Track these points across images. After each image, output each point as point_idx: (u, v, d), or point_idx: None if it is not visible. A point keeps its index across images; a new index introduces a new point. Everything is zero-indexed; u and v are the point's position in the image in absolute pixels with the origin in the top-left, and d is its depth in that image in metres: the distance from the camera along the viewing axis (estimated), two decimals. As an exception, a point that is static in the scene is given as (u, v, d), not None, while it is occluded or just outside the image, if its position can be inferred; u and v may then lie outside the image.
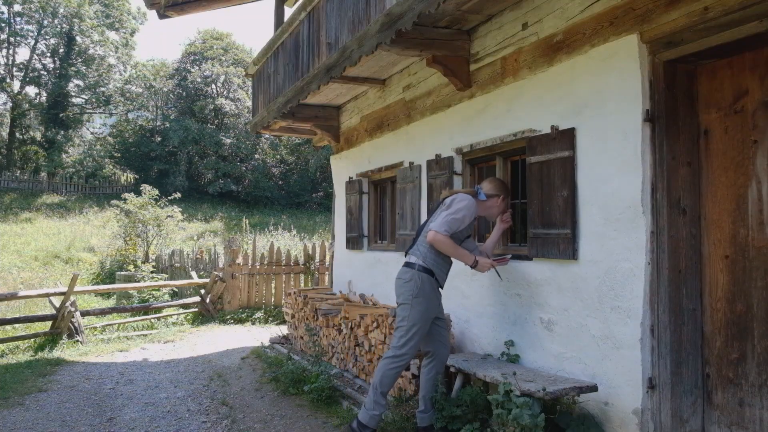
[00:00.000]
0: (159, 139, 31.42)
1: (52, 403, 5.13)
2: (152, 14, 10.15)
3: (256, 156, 31.98)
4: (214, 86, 32.18)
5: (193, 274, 11.60)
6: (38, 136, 32.27)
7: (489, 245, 4.02)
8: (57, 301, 8.10)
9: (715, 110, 3.00)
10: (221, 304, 10.36)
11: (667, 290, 3.00)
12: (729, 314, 2.93)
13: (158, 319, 9.84)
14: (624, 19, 3.15)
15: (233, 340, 8.22)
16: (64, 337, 7.94)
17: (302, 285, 10.89)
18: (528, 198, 3.86)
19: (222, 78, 31.63)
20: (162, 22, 10.77)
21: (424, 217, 5.26)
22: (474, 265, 3.67)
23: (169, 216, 17.00)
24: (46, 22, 31.32)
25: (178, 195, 18.05)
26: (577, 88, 3.47)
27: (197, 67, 31.98)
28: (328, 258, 10.69)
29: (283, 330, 7.69)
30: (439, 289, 3.73)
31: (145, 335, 8.80)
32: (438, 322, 3.76)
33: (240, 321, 10.01)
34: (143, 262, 15.16)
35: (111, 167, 31.73)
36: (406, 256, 3.76)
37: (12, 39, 31.51)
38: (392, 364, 3.58)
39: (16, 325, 8.62)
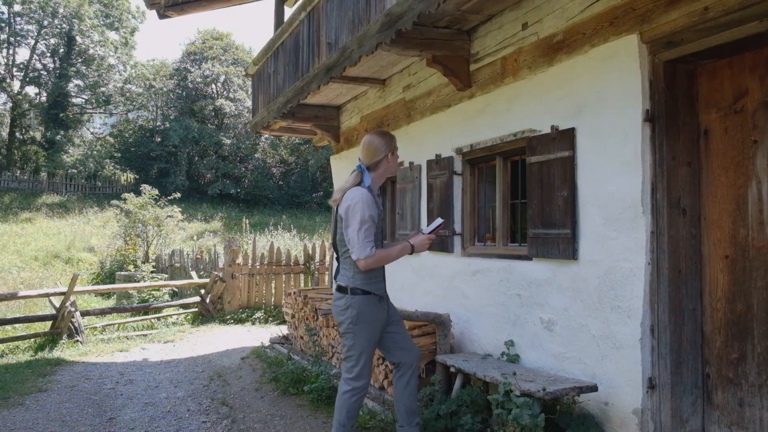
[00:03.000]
0: (159, 139, 31.42)
1: (52, 403, 5.13)
2: (152, 14, 10.15)
3: (256, 156, 31.98)
4: (214, 86, 32.19)
5: (193, 274, 11.59)
6: (38, 136, 32.26)
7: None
8: (57, 301, 8.10)
9: (715, 110, 3.00)
10: (221, 304, 10.36)
11: (667, 290, 3.00)
12: (729, 314, 2.93)
13: (158, 319, 9.84)
14: (624, 19, 3.15)
15: (233, 340, 8.22)
16: (64, 337, 7.94)
17: (302, 285, 10.89)
18: (528, 198, 3.86)
19: (222, 78, 31.64)
20: (162, 22, 10.77)
21: (424, 217, 5.25)
22: (413, 251, 3.24)
23: (169, 216, 16.99)
24: (46, 22, 31.31)
25: (178, 195, 18.04)
26: (577, 88, 3.47)
27: (197, 67, 31.97)
28: (328, 258, 10.70)
29: (283, 330, 7.69)
30: (383, 297, 3.28)
31: (145, 335, 8.80)
32: (391, 329, 3.35)
33: (240, 321, 10.01)
34: (143, 262, 15.16)
35: (111, 167, 31.73)
36: (335, 281, 3.28)
37: (12, 39, 31.49)
38: (353, 397, 3.23)
39: (16, 325, 8.61)
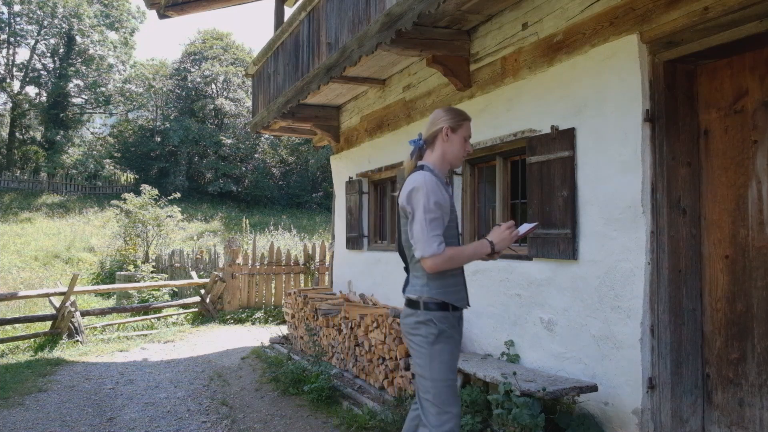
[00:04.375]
0: (159, 139, 31.43)
1: (52, 403, 5.13)
2: (152, 14, 10.15)
3: (256, 156, 31.98)
4: (213, 86, 32.19)
5: (193, 274, 11.59)
6: (38, 136, 32.25)
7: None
8: (57, 301, 8.10)
9: (715, 110, 3.00)
10: (221, 304, 10.36)
11: (667, 290, 3.00)
12: (729, 314, 2.93)
13: (158, 319, 9.84)
14: (624, 19, 3.15)
15: (233, 340, 8.22)
16: (64, 337, 7.94)
17: (302, 285, 10.89)
18: (528, 198, 3.85)
19: (222, 78, 31.64)
20: (162, 22, 10.76)
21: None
22: (492, 251, 2.47)
23: (168, 216, 17.00)
24: (45, 22, 31.31)
25: (177, 195, 18.05)
26: (577, 88, 3.47)
27: (197, 67, 31.98)
28: (328, 258, 10.69)
29: (283, 330, 7.69)
30: (461, 315, 2.59)
31: (145, 335, 8.80)
32: None
33: (240, 321, 10.01)
34: (143, 262, 15.16)
35: (111, 167, 31.73)
36: (404, 292, 2.61)
37: (12, 39, 31.49)
38: None
39: (16, 325, 8.62)
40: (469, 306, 2.60)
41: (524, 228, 2.60)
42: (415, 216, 2.39)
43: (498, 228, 2.51)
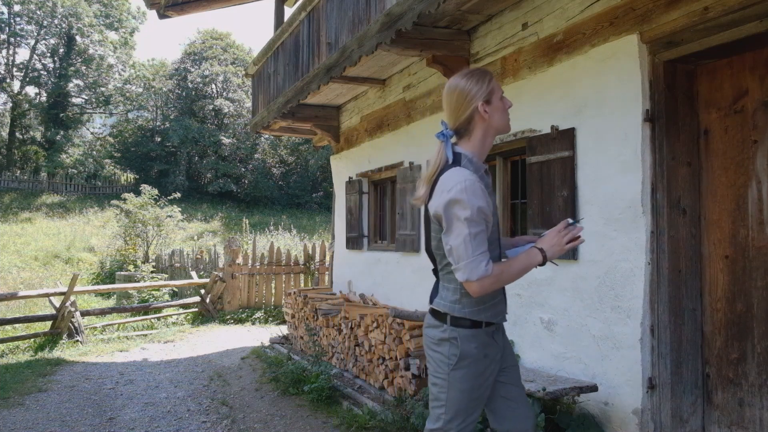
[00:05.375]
0: (159, 139, 31.44)
1: (52, 403, 5.13)
2: (152, 14, 10.15)
3: (256, 156, 31.99)
4: (213, 86, 32.20)
5: (193, 274, 11.60)
6: (38, 136, 32.28)
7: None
8: (57, 301, 8.10)
9: (715, 110, 3.00)
10: (221, 304, 10.36)
11: (667, 290, 3.00)
12: (729, 314, 2.93)
13: (158, 319, 9.84)
14: (624, 19, 3.15)
15: (233, 340, 8.22)
16: (64, 337, 7.94)
17: (302, 285, 10.90)
18: (528, 198, 3.85)
19: (221, 78, 31.65)
20: (162, 22, 10.77)
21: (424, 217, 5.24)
22: (545, 259, 2.04)
23: (168, 216, 17.01)
24: (45, 22, 31.32)
25: (177, 195, 18.06)
26: (577, 88, 3.47)
27: (197, 67, 31.98)
28: (328, 258, 10.69)
29: (283, 330, 7.69)
30: (500, 327, 2.20)
31: (145, 335, 8.80)
32: (503, 377, 2.19)
33: (240, 321, 10.01)
34: (143, 262, 15.17)
35: (111, 167, 31.73)
36: (431, 302, 2.19)
37: (12, 39, 31.51)
38: None
39: (16, 325, 8.62)
40: (506, 320, 2.21)
41: (574, 230, 2.06)
42: (454, 229, 1.95)
43: (550, 233, 2.07)
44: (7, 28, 30.80)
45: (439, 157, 2.12)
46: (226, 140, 30.22)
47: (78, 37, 31.74)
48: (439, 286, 2.17)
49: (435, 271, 2.22)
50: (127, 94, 33.26)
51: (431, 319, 2.16)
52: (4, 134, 31.45)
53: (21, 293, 8.46)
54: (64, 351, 7.58)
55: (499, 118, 2.13)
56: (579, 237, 2.05)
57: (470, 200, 1.92)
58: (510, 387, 2.20)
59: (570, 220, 2.07)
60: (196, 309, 10.26)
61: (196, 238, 21.86)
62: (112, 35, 33.89)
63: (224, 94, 32.04)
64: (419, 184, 2.19)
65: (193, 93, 31.77)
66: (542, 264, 2.03)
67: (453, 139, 2.14)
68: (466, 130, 2.13)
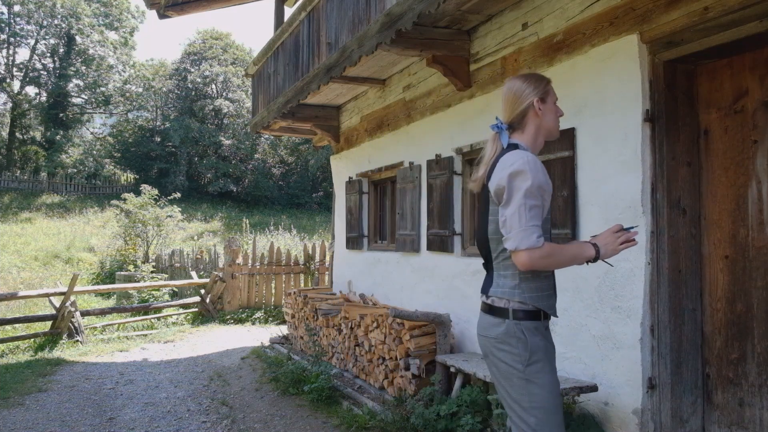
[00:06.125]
0: (159, 139, 31.44)
1: (52, 403, 5.13)
2: (152, 14, 10.15)
3: (256, 156, 31.99)
4: (213, 86, 32.20)
5: (193, 274, 11.60)
6: (38, 136, 32.28)
7: None
8: (57, 301, 8.10)
9: (715, 110, 3.00)
10: (221, 304, 10.36)
11: (667, 290, 3.00)
12: (729, 314, 2.93)
13: (158, 319, 9.84)
14: (624, 19, 3.15)
15: (233, 340, 8.22)
16: (64, 337, 7.94)
17: (302, 285, 10.89)
18: (528, 198, 3.85)
19: (221, 78, 31.65)
20: (162, 22, 10.77)
21: (424, 217, 5.24)
22: (597, 255, 2.05)
23: (168, 216, 17.00)
24: (45, 22, 31.32)
25: (177, 195, 18.04)
26: (577, 88, 3.47)
27: (197, 67, 31.99)
28: (328, 258, 10.69)
29: (283, 330, 7.69)
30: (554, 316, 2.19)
31: (145, 335, 8.80)
32: None
33: (240, 321, 10.01)
34: (143, 262, 15.16)
35: (111, 167, 31.73)
36: (484, 297, 2.19)
37: (12, 39, 31.50)
38: None
39: (16, 325, 8.62)
40: (557, 316, 2.16)
41: (629, 233, 2.06)
42: (512, 200, 1.92)
43: (605, 233, 2.06)
44: (7, 28, 30.79)
45: (495, 144, 2.16)
46: (226, 140, 30.22)
47: (78, 37, 31.73)
48: (493, 277, 2.14)
49: (486, 265, 2.20)
50: (127, 94, 33.26)
51: (487, 317, 2.09)
52: (4, 134, 31.45)
53: (21, 293, 8.46)
54: (64, 351, 7.58)
55: (551, 119, 2.19)
56: (633, 240, 2.04)
57: (533, 172, 1.92)
58: None
59: (623, 225, 2.07)
60: (196, 309, 10.26)
61: (196, 238, 21.86)
62: (112, 35, 33.89)
63: (224, 94, 32.04)
64: (479, 170, 2.20)
65: (193, 93, 31.78)
66: (594, 260, 2.03)
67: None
68: (520, 124, 2.16)
